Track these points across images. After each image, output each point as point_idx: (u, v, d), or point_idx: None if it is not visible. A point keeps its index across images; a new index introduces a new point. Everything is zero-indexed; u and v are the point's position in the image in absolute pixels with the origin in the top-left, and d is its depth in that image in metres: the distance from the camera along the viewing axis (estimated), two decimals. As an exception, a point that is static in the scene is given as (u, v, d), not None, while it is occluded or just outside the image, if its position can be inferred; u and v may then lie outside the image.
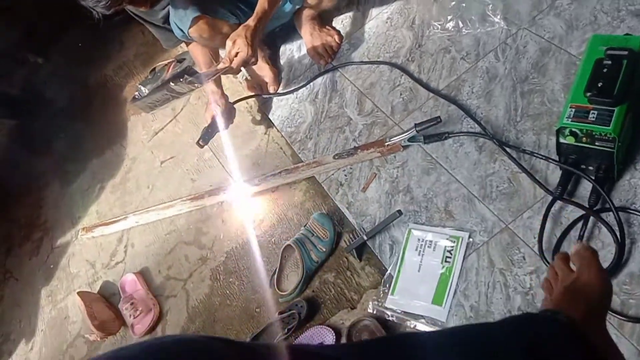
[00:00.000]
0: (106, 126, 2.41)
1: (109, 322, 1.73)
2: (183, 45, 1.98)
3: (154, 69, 2.42)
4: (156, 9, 1.69)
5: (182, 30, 1.66)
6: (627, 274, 1.08)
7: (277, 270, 1.52)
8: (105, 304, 1.81)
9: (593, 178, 1.17)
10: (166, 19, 1.72)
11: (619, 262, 1.09)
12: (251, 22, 1.48)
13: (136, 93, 1.45)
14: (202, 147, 1.73)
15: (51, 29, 3.18)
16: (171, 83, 1.43)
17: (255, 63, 1.55)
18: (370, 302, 1.33)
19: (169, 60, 2.39)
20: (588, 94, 1.11)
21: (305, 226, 1.54)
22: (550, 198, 1.22)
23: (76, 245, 2.11)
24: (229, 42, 1.47)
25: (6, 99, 2.74)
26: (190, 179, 1.96)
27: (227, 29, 1.68)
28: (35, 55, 3.08)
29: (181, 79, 1.42)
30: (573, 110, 1.13)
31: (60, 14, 3.03)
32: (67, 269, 2.07)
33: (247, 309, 1.55)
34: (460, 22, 1.63)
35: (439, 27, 1.67)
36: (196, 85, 1.47)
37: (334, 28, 1.92)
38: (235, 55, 1.47)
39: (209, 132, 1.74)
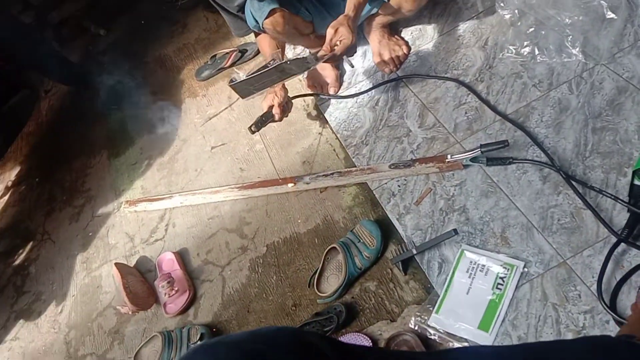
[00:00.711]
0: (160, 105, 2.44)
1: (143, 297, 1.74)
2: (247, 36, 2.00)
3: (215, 55, 2.45)
4: (234, -4, 1.71)
5: (256, 21, 1.67)
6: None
7: (319, 270, 1.51)
8: (140, 278, 1.82)
9: (664, 225, 1.13)
10: (241, 7, 1.74)
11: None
12: (350, 12, 1.50)
13: (233, 76, 1.46)
14: (253, 132, 1.73)
15: (116, 2, 3.25)
16: (287, 61, 1.45)
17: (355, 52, 1.55)
18: (413, 318, 1.31)
19: (230, 49, 2.41)
20: (673, 139, 1.08)
21: (352, 231, 1.53)
22: (614, 239, 1.19)
23: (117, 217, 2.14)
24: (330, 30, 1.48)
25: (64, 65, 2.80)
26: (239, 168, 1.97)
27: (301, 25, 1.69)
28: (97, 26, 3.14)
29: (299, 58, 1.45)
30: (654, 153, 1.10)
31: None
32: (106, 239, 2.09)
33: (283, 305, 1.55)
34: (536, 49, 1.60)
35: (514, 51, 1.65)
36: (310, 65, 1.48)
37: (402, 38, 1.92)
38: (336, 45, 1.48)
39: (263, 120, 1.74)
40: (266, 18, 1.62)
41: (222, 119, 2.19)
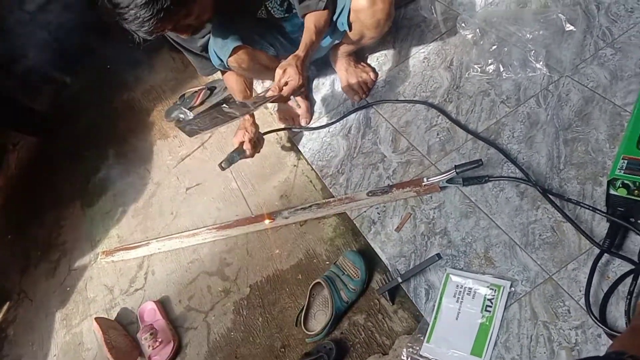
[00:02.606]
0: (131, 149, 2.41)
1: (127, 351, 1.68)
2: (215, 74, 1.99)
3: (184, 95, 2.43)
4: (196, 37, 1.69)
5: (220, 59, 1.66)
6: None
7: (305, 308, 1.47)
8: (122, 332, 1.76)
9: (644, 233, 1.13)
10: (204, 47, 1.73)
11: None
12: (300, 52, 1.49)
13: (181, 116, 1.44)
14: (223, 169, 1.69)
15: (80, 49, 3.22)
16: (224, 105, 1.42)
17: (304, 93, 1.54)
18: (404, 349, 1.28)
19: (198, 87, 2.40)
20: (642, 147, 1.09)
21: (335, 263, 1.51)
22: (596, 250, 1.19)
23: (94, 268, 2.08)
24: (279, 71, 1.47)
25: (30, 116, 2.75)
26: (215, 208, 1.93)
27: (266, 60, 1.68)
28: (63, 74, 3.11)
29: (236, 102, 1.42)
30: (625, 162, 1.10)
31: (90, 35, 3.09)
32: (84, 292, 2.03)
33: (272, 347, 1.50)
34: (501, 66, 1.62)
35: (479, 69, 1.66)
36: (250, 109, 1.46)
37: (369, 65, 1.92)
38: (285, 84, 1.46)
39: (234, 157, 1.71)
40: (230, 56, 1.61)
41: (195, 159, 2.16)
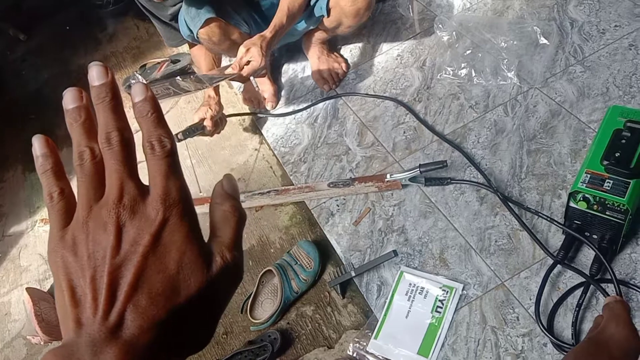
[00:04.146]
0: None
1: (56, 325, 1.57)
2: (180, 47, 1.91)
3: (145, 65, 2.30)
4: (166, 4, 1.62)
5: (191, 30, 1.59)
6: (625, 351, 1.05)
7: (252, 295, 1.42)
8: (54, 305, 1.65)
9: (596, 247, 1.14)
10: (174, 17, 1.65)
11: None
12: (267, 33, 1.43)
13: (132, 80, 1.35)
14: (179, 140, 1.61)
15: (40, 7, 3.04)
16: (178, 77, 1.34)
17: (264, 75, 1.49)
18: (351, 344, 1.25)
19: (161, 59, 2.28)
20: (605, 163, 1.10)
21: (289, 252, 1.46)
22: (550, 261, 1.20)
23: (31, 236, 1.95)
24: (242, 49, 1.41)
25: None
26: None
27: (238, 37, 1.62)
28: (17, 30, 2.92)
29: (191, 76, 1.34)
30: (588, 176, 1.12)
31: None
32: (17, 260, 1.90)
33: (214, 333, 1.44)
34: (473, 71, 1.62)
35: (451, 72, 1.66)
36: (204, 85, 1.38)
37: (341, 55, 1.89)
38: (247, 64, 1.40)
39: (192, 130, 1.63)
40: (201, 27, 1.54)
41: (152, 133, 2.06)
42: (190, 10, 1.53)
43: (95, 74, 0.35)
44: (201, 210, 1.51)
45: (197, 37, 1.59)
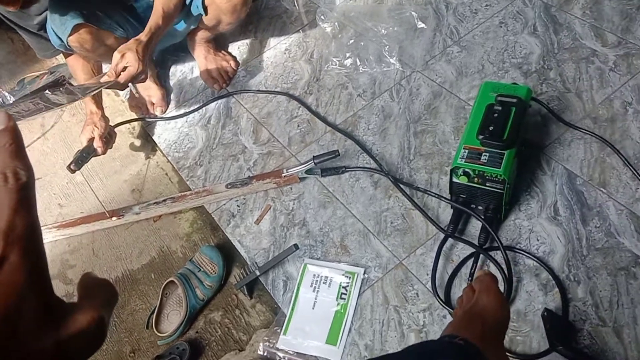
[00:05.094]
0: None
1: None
2: (60, 57, 1.79)
3: (23, 79, 2.16)
4: (31, 13, 1.50)
5: (60, 39, 1.49)
6: (514, 312, 1.12)
7: (157, 309, 1.37)
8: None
9: (482, 217, 1.21)
10: (42, 26, 1.54)
11: (507, 299, 1.13)
12: (143, 36, 1.37)
13: (0, 100, 1.24)
14: (73, 172, 1.53)
15: None
16: (47, 91, 1.24)
17: (144, 80, 1.43)
18: (261, 344, 1.24)
19: (41, 72, 2.15)
20: (480, 137, 1.16)
21: (191, 260, 1.42)
22: (442, 235, 1.25)
23: None
24: (116, 55, 1.34)
25: None
26: (57, 204, 1.73)
27: (113, 42, 1.54)
28: None
29: (61, 89, 1.25)
30: (467, 151, 1.17)
31: None
32: None
33: (120, 353, 1.37)
34: (358, 60, 1.65)
35: (337, 63, 1.68)
36: (77, 97, 1.30)
37: (229, 53, 1.86)
38: (123, 70, 1.34)
39: (84, 157, 1.54)
40: (70, 35, 1.45)
41: (35, 150, 1.92)
42: (55, 18, 1.44)
43: None
44: (106, 225, 1.41)
45: (69, 46, 1.49)
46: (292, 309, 1.25)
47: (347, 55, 1.67)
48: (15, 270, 0.30)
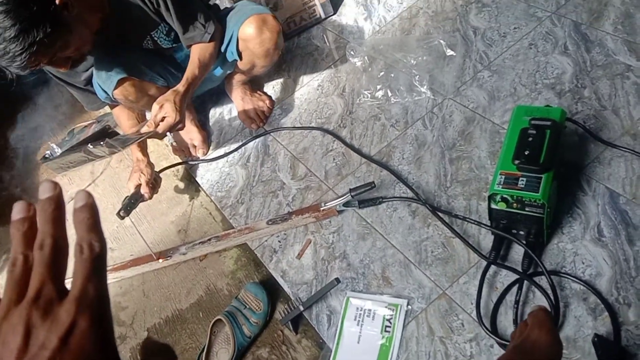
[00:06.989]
0: (16, 190, 2.22)
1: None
2: (106, 107, 1.90)
3: (72, 130, 2.29)
4: (78, 71, 1.61)
5: (106, 92, 1.59)
6: (563, 338, 1.08)
7: (206, 347, 1.40)
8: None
9: (524, 242, 1.19)
10: (89, 81, 1.64)
11: (555, 325, 1.10)
12: (180, 87, 1.44)
13: (47, 152, 1.34)
14: (122, 218, 1.60)
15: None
16: (89, 145, 1.33)
17: (182, 129, 1.50)
18: (308, 379, 1.25)
19: (89, 122, 2.27)
20: (516, 162, 1.15)
21: (236, 297, 1.45)
22: (484, 263, 1.23)
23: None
24: (155, 106, 1.41)
25: None
26: (108, 248, 1.81)
27: (155, 91, 1.63)
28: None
29: (102, 142, 1.33)
30: (503, 177, 1.16)
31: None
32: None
33: (172, 392, 1.41)
34: (389, 92, 1.68)
35: (369, 95, 1.71)
36: (117, 149, 1.38)
37: (265, 93, 1.92)
38: (162, 120, 1.41)
39: (132, 203, 1.62)
40: (115, 89, 1.54)
41: (87, 197, 2.02)
42: (101, 74, 1.53)
43: (43, 188, 0.38)
44: (155, 266, 1.47)
45: (114, 98, 1.58)
46: (338, 344, 1.26)
47: (378, 87, 1.70)
48: (85, 336, 0.32)
